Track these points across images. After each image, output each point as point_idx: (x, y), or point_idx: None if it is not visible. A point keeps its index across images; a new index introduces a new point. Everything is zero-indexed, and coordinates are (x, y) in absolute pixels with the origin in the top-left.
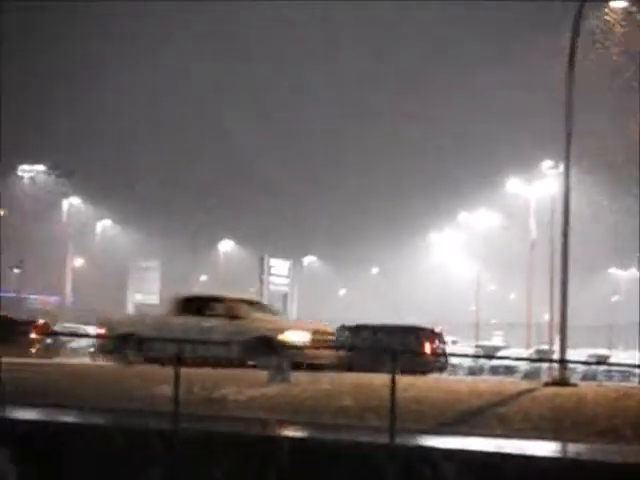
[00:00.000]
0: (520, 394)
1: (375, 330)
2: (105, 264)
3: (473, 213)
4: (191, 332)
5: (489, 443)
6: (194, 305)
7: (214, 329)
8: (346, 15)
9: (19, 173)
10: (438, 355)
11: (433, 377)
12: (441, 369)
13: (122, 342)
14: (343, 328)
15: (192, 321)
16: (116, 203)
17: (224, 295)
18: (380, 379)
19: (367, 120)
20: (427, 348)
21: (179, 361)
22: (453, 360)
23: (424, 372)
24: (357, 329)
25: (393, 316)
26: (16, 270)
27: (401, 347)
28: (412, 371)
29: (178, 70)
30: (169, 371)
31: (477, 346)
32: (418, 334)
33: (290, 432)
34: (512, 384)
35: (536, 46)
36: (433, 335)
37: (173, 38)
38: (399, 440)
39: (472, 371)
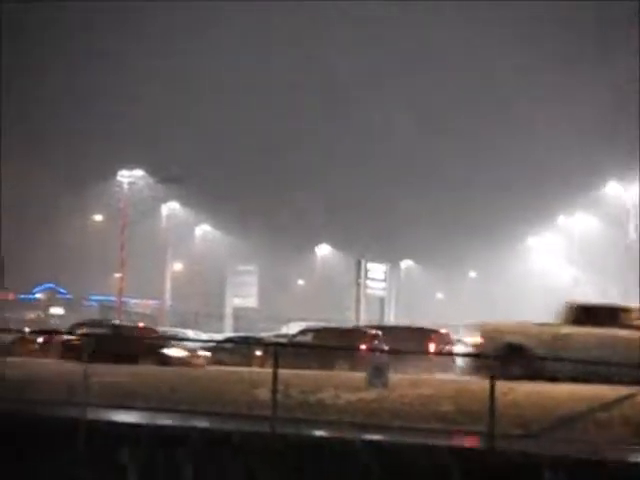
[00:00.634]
0: (621, 399)
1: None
2: (204, 268)
3: (572, 217)
4: (596, 348)
5: (588, 449)
6: (590, 314)
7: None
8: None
9: (119, 178)
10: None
11: (532, 383)
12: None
13: (507, 354)
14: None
15: (597, 333)
16: (215, 208)
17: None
18: (479, 385)
19: (465, 126)
20: (431, 348)
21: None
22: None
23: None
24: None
25: (489, 319)
26: (116, 275)
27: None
28: None
29: (283, 72)
30: (268, 374)
31: None
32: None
33: (385, 437)
34: (612, 390)
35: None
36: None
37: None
38: (498, 445)
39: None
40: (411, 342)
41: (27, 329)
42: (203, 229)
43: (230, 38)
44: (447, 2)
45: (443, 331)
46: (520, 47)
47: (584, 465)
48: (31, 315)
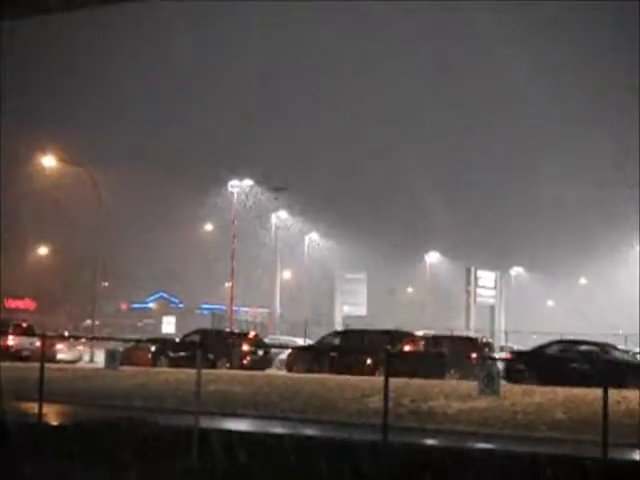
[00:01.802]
0: None
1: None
2: (312, 276)
3: None
4: None
5: None
6: None
7: None
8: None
9: (229, 188)
10: None
11: None
12: None
13: None
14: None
15: None
16: (323, 216)
17: None
18: (591, 393)
19: (569, 124)
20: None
21: None
22: None
23: None
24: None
25: (600, 327)
26: (227, 284)
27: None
28: None
29: (389, 70)
30: (378, 382)
31: None
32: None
33: (497, 445)
34: None
35: None
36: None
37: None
38: (611, 455)
39: None
40: (458, 349)
41: (142, 337)
42: (311, 238)
43: (326, 38)
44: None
45: (484, 340)
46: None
47: None
48: (142, 324)
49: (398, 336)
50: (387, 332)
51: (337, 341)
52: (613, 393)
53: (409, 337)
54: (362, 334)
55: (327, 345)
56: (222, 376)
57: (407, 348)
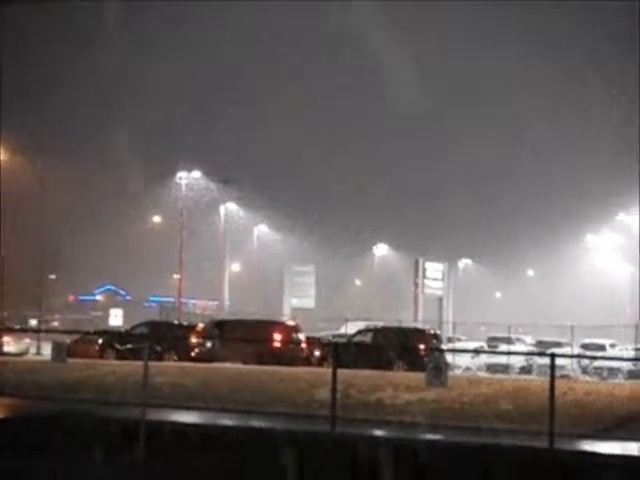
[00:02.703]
0: None
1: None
2: (261, 269)
3: (632, 214)
4: None
5: None
6: None
7: None
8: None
9: (177, 180)
10: None
11: (592, 383)
12: None
13: None
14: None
15: None
16: (272, 208)
17: None
18: (538, 384)
19: (524, 119)
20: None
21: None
22: (614, 364)
23: None
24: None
25: (546, 318)
26: (175, 276)
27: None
28: None
29: (338, 65)
30: (326, 373)
31: (637, 349)
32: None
33: (445, 436)
34: None
35: None
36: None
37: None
38: (558, 445)
39: (632, 375)
40: (406, 341)
41: (89, 330)
42: (260, 229)
43: (281, 36)
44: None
45: (432, 332)
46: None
47: None
48: (89, 316)
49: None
50: (258, 322)
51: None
52: (560, 384)
53: (279, 326)
54: (238, 324)
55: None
56: (170, 368)
57: (277, 337)
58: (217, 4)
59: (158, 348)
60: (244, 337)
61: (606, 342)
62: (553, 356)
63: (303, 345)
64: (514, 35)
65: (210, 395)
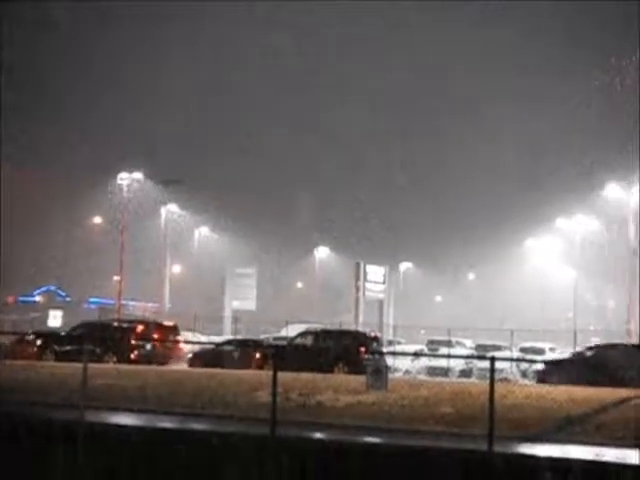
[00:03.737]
0: (620, 402)
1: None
2: (203, 271)
3: (571, 219)
4: None
5: (589, 451)
6: None
7: None
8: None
9: (118, 181)
10: None
11: (532, 386)
12: None
13: None
14: None
15: None
16: (213, 210)
17: None
18: (478, 387)
19: (465, 123)
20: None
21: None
22: None
23: None
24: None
25: (486, 322)
26: (116, 278)
27: None
28: None
29: (281, 72)
30: (268, 377)
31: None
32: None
33: (384, 439)
34: (612, 392)
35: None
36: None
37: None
38: (497, 448)
39: None
40: (346, 344)
41: (28, 331)
42: (202, 232)
43: (225, 41)
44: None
45: (373, 334)
46: (516, 48)
47: (583, 467)
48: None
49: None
50: (141, 322)
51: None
52: (499, 387)
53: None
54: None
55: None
56: (109, 370)
57: (156, 336)
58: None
59: (97, 350)
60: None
61: (545, 346)
62: (493, 359)
63: (181, 346)
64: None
65: (150, 397)
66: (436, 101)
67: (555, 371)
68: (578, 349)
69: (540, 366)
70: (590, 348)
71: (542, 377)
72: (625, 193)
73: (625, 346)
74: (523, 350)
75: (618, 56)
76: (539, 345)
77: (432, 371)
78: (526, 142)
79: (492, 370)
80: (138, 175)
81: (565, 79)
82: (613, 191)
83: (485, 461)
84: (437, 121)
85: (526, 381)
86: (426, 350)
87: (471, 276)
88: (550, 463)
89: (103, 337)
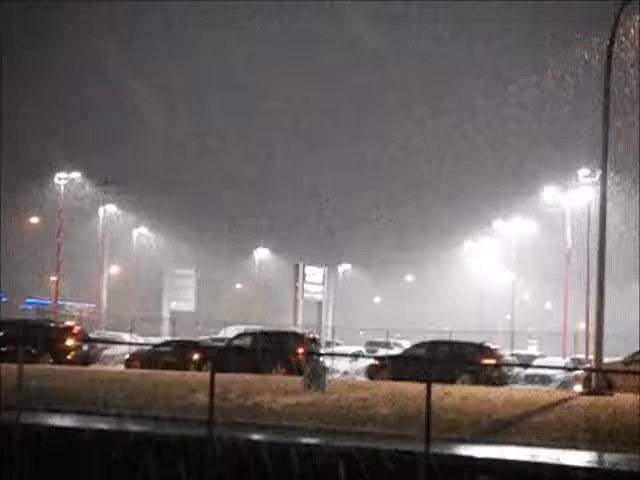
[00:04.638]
0: (556, 403)
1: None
2: (141, 272)
3: (509, 221)
4: None
5: (525, 452)
6: None
7: None
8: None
9: (56, 181)
10: None
11: (469, 388)
12: None
13: None
14: None
15: None
16: (152, 211)
17: None
18: (415, 388)
19: (406, 124)
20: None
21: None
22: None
23: None
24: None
25: (425, 323)
26: (52, 278)
27: None
28: None
29: (218, 73)
30: (205, 378)
31: (512, 355)
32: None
33: (321, 440)
34: (548, 394)
35: (573, 52)
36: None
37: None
38: (434, 449)
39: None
40: (284, 345)
41: None
42: (140, 232)
43: (171, 43)
44: None
45: (311, 335)
46: (456, 48)
47: (519, 468)
48: None
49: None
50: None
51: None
52: (437, 388)
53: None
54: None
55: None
56: (45, 371)
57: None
58: None
59: (33, 350)
60: None
61: None
62: (430, 361)
63: (85, 347)
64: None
65: (86, 399)
66: (375, 101)
67: (385, 367)
68: (408, 345)
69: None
70: (420, 344)
71: (372, 373)
72: (562, 196)
73: (455, 343)
74: None
75: (558, 59)
76: None
77: None
78: (464, 145)
79: (429, 372)
80: (76, 175)
81: (504, 82)
82: (550, 194)
83: (422, 462)
84: (376, 123)
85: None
86: (364, 351)
87: (410, 278)
88: (487, 464)
89: (40, 338)
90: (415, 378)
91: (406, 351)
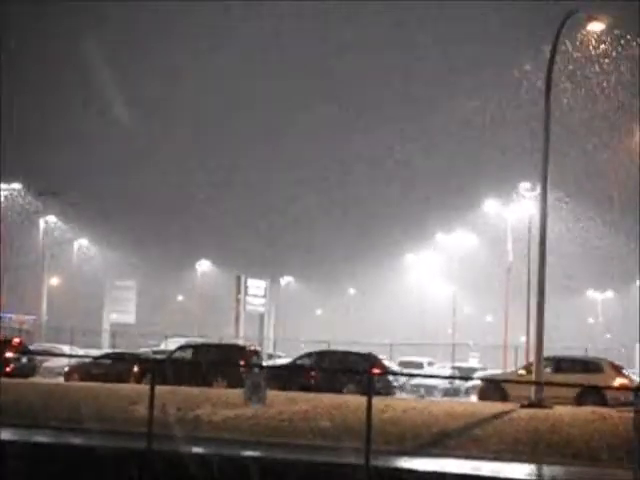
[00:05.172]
0: (496, 416)
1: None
2: (81, 283)
3: (450, 234)
4: None
5: (465, 465)
6: None
7: None
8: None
9: None
10: None
11: (410, 400)
12: None
13: None
14: None
15: None
16: (93, 223)
17: None
18: (356, 400)
19: (342, 138)
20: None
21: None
22: (429, 382)
23: None
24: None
25: (366, 336)
26: None
27: None
28: None
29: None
30: (145, 390)
31: (453, 367)
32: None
33: (262, 453)
34: (488, 406)
35: (512, 66)
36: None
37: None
38: (375, 462)
39: (447, 393)
40: (226, 358)
41: None
42: (81, 243)
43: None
44: None
45: (252, 348)
46: (393, 55)
47: None
48: None
49: None
50: None
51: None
52: (377, 401)
53: None
54: None
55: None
56: None
57: None
58: None
59: None
60: None
61: (424, 360)
62: (371, 374)
63: (24, 359)
64: None
65: (24, 411)
66: (324, 108)
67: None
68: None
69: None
70: (309, 355)
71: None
72: (503, 209)
73: (340, 352)
74: (402, 364)
75: (498, 73)
76: (418, 359)
77: None
78: (406, 156)
79: (370, 384)
80: (16, 186)
81: (447, 91)
82: (492, 207)
83: (362, 475)
84: (319, 128)
85: (404, 395)
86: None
87: (352, 290)
88: (427, 477)
89: None
90: (303, 387)
91: (294, 361)
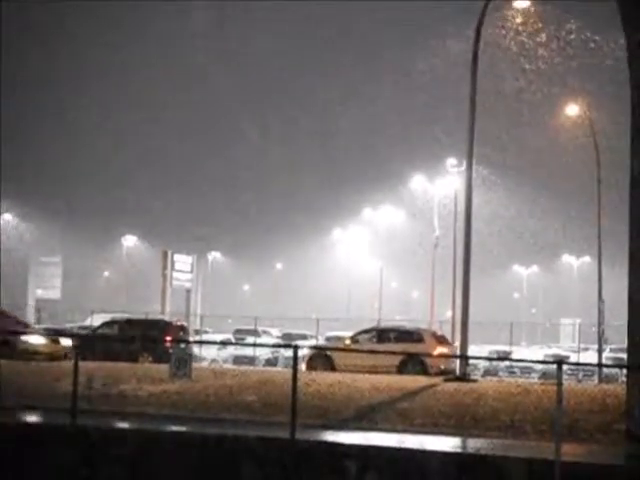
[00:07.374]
0: (422, 389)
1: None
2: (4, 259)
3: (377, 210)
4: None
5: (390, 438)
6: None
7: None
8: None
9: None
10: None
11: (339, 374)
12: None
13: None
14: None
15: None
16: (16, 195)
17: None
18: (282, 375)
19: (269, 113)
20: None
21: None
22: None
23: None
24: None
25: (293, 311)
26: None
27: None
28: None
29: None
30: (69, 366)
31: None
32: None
33: (187, 428)
34: (413, 380)
35: (440, 45)
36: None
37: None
38: (300, 435)
39: (375, 367)
40: (152, 333)
41: None
42: (4, 218)
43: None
44: None
45: (179, 323)
46: (330, 45)
47: (384, 453)
48: None
49: None
50: None
51: None
52: (304, 375)
53: None
54: None
55: None
56: None
57: None
58: None
59: None
60: None
61: (349, 334)
62: (296, 348)
63: None
64: None
65: None
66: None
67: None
68: None
69: None
70: (109, 323)
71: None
72: (430, 185)
73: (141, 321)
74: (328, 339)
75: (428, 49)
76: (344, 334)
77: (238, 360)
78: (334, 133)
79: (295, 358)
80: None
81: (378, 69)
82: (419, 183)
83: (286, 448)
84: (256, 117)
85: None
86: (233, 339)
87: (279, 265)
88: (352, 450)
89: None
90: (105, 357)
91: (95, 330)
